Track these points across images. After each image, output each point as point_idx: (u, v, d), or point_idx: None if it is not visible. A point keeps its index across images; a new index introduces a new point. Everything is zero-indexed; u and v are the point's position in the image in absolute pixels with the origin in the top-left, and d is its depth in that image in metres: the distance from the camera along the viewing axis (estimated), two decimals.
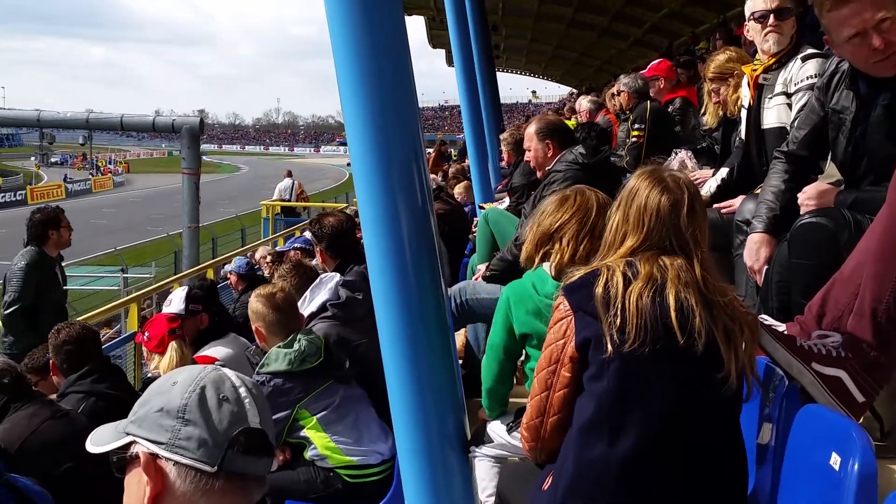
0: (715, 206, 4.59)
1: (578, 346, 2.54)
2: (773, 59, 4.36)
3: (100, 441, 1.66)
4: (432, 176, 14.56)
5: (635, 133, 7.55)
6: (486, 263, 5.51)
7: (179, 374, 1.66)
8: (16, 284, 7.23)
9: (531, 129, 5.50)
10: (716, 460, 2.52)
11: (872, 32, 2.94)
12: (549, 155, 5.35)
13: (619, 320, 2.46)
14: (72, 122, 25.16)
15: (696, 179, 5.56)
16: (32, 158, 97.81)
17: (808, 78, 4.16)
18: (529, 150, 5.49)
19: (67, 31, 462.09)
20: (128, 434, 1.63)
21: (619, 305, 2.48)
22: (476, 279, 5.45)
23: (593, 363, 2.51)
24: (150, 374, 5.01)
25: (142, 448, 1.60)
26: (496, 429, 3.59)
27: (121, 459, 1.63)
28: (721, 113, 5.40)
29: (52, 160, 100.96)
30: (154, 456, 1.59)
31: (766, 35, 4.37)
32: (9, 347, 7.29)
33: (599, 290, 2.53)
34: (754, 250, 3.57)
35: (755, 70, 4.48)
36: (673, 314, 2.47)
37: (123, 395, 4.66)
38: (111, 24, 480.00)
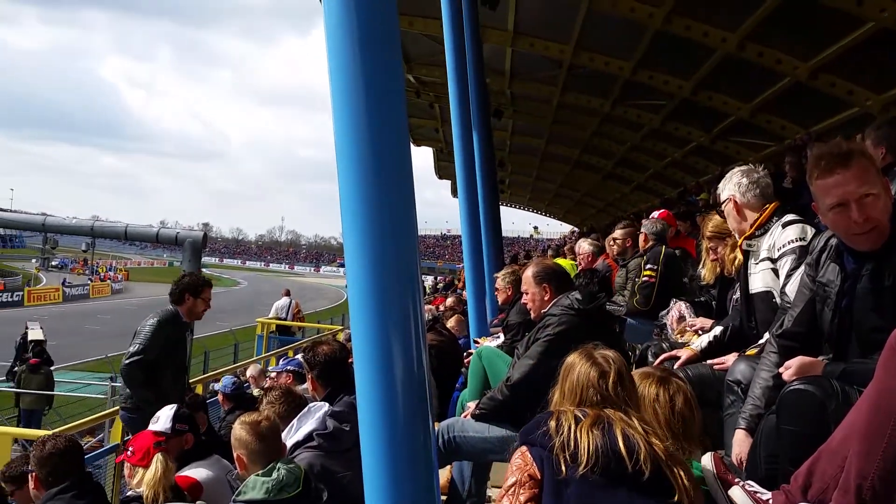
0: (708, 361, 4.58)
1: (538, 468, 2.79)
2: (753, 228, 4.47)
3: None
4: (427, 307, 14.59)
5: (647, 273, 7.63)
6: (476, 401, 5.46)
7: None
8: (142, 338, 7.27)
9: (528, 273, 5.54)
10: None
11: (854, 205, 3.04)
12: (545, 298, 5.36)
13: (571, 446, 2.75)
14: (76, 229, 25.38)
15: (695, 326, 5.56)
16: (33, 261, 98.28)
17: (789, 242, 4.30)
18: (527, 294, 5.51)
19: (81, 139, 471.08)
20: None
21: (571, 436, 2.78)
22: (465, 416, 5.39)
23: (550, 488, 2.75)
24: (129, 493, 4.88)
25: None
26: None
27: None
28: (718, 270, 5.46)
29: (53, 264, 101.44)
30: None
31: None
32: (124, 400, 7.42)
33: (553, 423, 2.85)
34: (737, 444, 3.64)
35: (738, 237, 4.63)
36: (620, 441, 2.75)
37: None
38: (124, 135, 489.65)
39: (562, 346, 4.92)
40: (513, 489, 2.80)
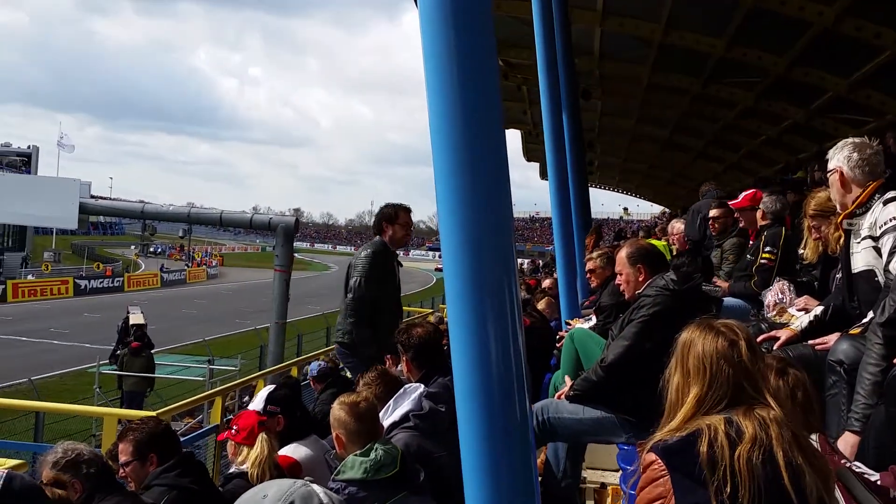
0: (810, 342, 4.50)
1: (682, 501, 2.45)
2: (854, 205, 4.34)
3: None
4: None
5: (767, 255, 7.36)
6: (570, 382, 5.46)
7: (269, 488, 1.66)
8: (360, 270, 7.24)
9: (623, 254, 5.50)
10: None
11: None
12: (640, 279, 5.32)
13: (728, 486, 2.38)
14: (174, 216, 26.11)
15: (797, 306, 5.45)
16: (132, 247, 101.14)
17: (891, 220, 4.13)
18: (621, 275, 5.47)
19: (177, 127, 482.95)
20: None
21: (728, 469, 2.40)
22: (559, 398, 5.40)
23: None
24: (235, 469, 5.03)
25: None
26: None
27: None
28: (821, 249, 5.33)
29: (151, 250, 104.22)
30: None
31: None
32: (342, 335, 7.36)
33: (704, 449, 2.46)
34: (848, 446, 3.48)
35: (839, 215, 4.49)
36: (785, 475, 2.40)
37: (204, 490, 4.68)
38: (218, 124, 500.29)
39: (657, 328, 4.92)
40: None
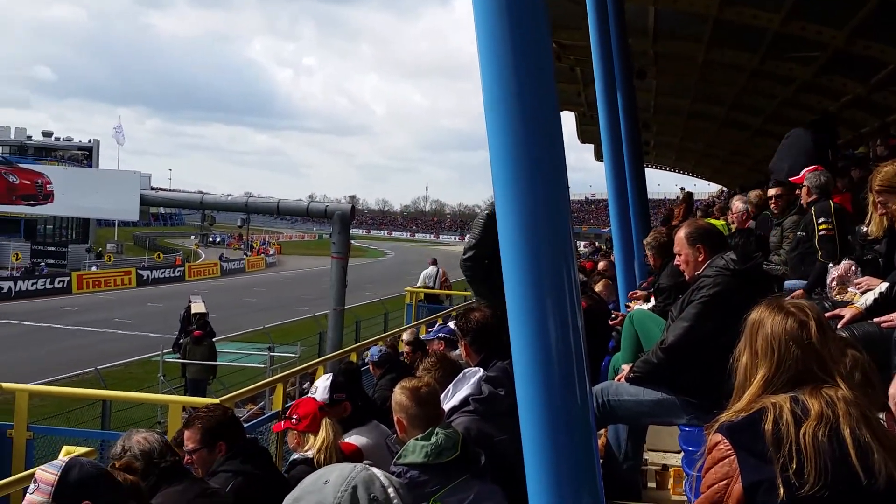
0: (875, 319, 4.41)
1: (746, 489, 2.43)
2: None
3: None
4: None
5: (823, 226, 7.21)
6: (630, 364, 5.44)
7: (331, 473, 1.67)
8: (475, 231, 6.84)
9: (681, 234, 5.44)
10: None
11: None
12: (699, 259, 5.26)
13: (794, 462, 2.36)
14: (232, 206, 26.41)
15: (861, 286, 5.34)
16: (192, 237, 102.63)
17: None
18: (680, 255, 5.41)
19: (234, 118, 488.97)
20: None
21: (794, 446, 2.38)
22: (619, 380, 5.38)
23: None
24: (298, 456, 5.08)
25: None
26: None
27: None
28: (886, 224, 5.21)
29: (210, 239, 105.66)
30: None
31: None
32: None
33: (769, 427, 2.43)
34: None
35: None
36: (853, 453, 2.36)
37: (269, 476, 4.75)
38: (274, 113, 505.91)
39: (718, 309, 4.87)
40: (717, 502, 2.50)
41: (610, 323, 8.01)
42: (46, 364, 25.86)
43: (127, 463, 3.77)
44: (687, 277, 5.41)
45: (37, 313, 40.02)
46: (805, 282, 6.90)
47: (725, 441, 2.52)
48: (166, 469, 4.03)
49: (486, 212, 6.85)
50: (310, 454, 4.95)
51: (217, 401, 8.61)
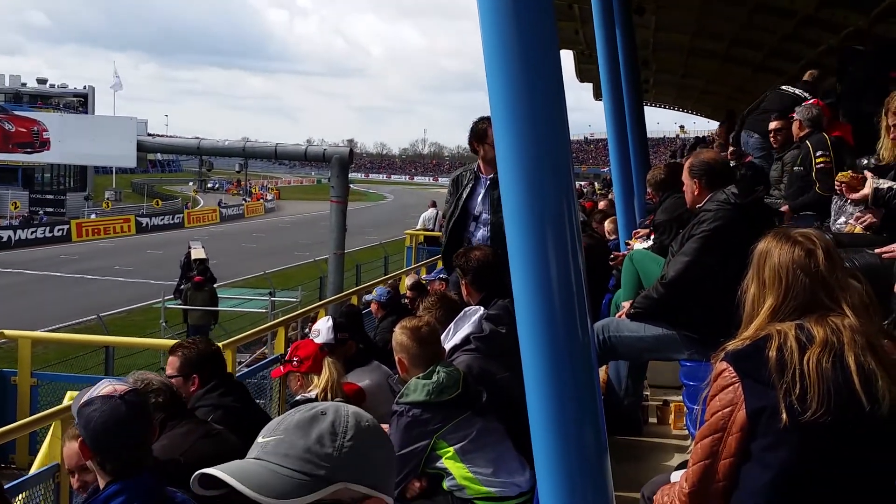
0: (877, 250, 4.39)
1: (750, 415, 2.46)
2: None
3: (280, 490, 1.47)
4: None
5: (821, 159, 7.19)
6: (631, 301, 5.44)
7: (324, 406, 1.63)
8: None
9: (686, 164, 5.43)
10: None
11: None
12: (695, 193, 5.24)
13: (797, 388, 2.37)
14: (229, 151, 26.23)
15: (862, 221, 5.28)
16: (191, 184, 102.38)
17: None
18: (684, 184, 5.40)
19: (229, 62, 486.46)
20: (333, 482, 1.51)
21: (797, 372, 2.39)
22: (620, 316, 5.39)
23: (768, 433, 2.43)
24: (301, 396, 5.09)
25: (353, 493, 1.54)
26: None
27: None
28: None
29: (209, 186, 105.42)
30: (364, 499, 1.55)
31: None
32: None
33: (773, 354, 2.44)
34: None
35: None
36: (856, 379, 2.37)
37: (248, 408, 4.80)
38: (269, 56, 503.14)
39: (718, 243, 4.85)
40: (720, 430, 2.53)
41: (610, 263, 8.00)
42: (48, 312, 25.95)
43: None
44: (688, 207, 5.39)
45: (37, 262, 40.07)
46: (808, 215, 6.88)
47: (730, 368, 2.54)
48: (169, 410, 4.04)
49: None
50: (312, 394, 4.97)
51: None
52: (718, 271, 4.55)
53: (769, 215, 5.66)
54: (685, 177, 5.33)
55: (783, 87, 10.22)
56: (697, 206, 5.17)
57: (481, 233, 6.32)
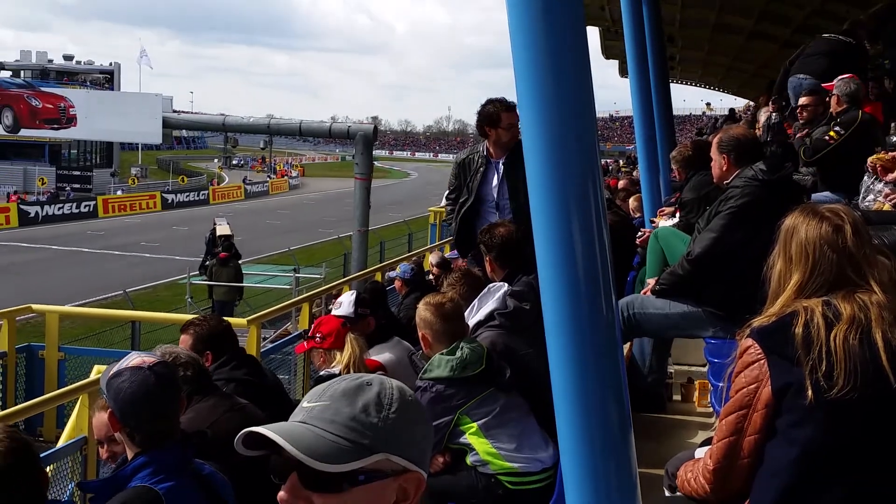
0: None
1: (775, 392, 2.45)
2: None
3: (324, 454, 1.47)
4: None
5: (832, 133, 7.09)
6: (656, 277, 5.42)
7: (370, 377, 1.64)
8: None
9: (715, 139, 5.38)
10: None
11: None
12: (723, 169, 5.19)
13: (823, 365, 2.35)
14: (254, 127, 26.22)
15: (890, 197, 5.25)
16: (216, 160, 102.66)
17: None
18: (713, 160, 5.36)
19: (253, 39, 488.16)
20: (375, 452, 1.52)
21: (823, 349, 2.37)
22: (645, 293, 5.37)
23: (794, 410, 2.42)
24: (325, 372, 5.12)
25: (393, 465, 1.55)
26: None
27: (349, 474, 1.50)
28: None
29: (234, 163, 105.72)
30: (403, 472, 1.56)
31: None
32: None
33: (799, 331, 2.42)
34: None
35: None
36: (884, 356, 2.35)
37: (261, 382, 4.83)
38: (294, 34, 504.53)
39: (746, 219, 4.81)
40: (745, 407, 2.51)
41: (637, 241, 7.96)
42: (75, 287, 26.23)
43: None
44: (715, 182, 5.35)
45: (64, 238, 40.44)
46: (833, 194, 6.82)
47: (756, 345, 2.52)
48: (197, 384, 4.08)
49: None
50: (336, 370, 4.99)
51: (243, 320, 8.70)
52: (745, 248, 4.52)
53: (798, 192, 5.60)
54: (714, 152, 5.28)
55: (826, 35, 9.97)
56: (725, 182, 5.13)
57: (496, 219, 6.22)
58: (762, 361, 2.50)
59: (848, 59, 9.30)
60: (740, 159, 5.11)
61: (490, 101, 6.35)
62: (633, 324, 5.22)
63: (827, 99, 8.04)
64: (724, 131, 5.55)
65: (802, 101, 8.48)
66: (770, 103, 11.16)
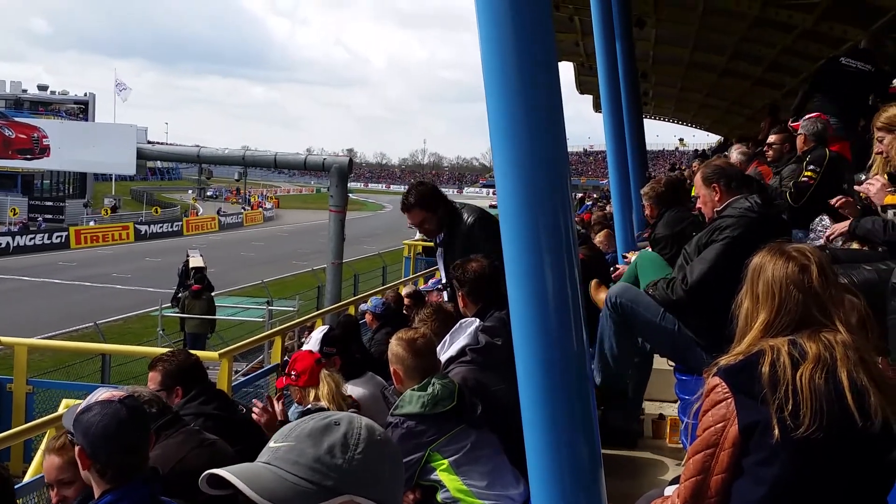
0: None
1: (742, 431, 2.45)
2: None
3: (284, 497, 1.49)
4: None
5: (808, 173, 7.17)
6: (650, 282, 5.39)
7: (337, 416, 1.64)
8: None
9: (698, 177, 5.39)
10: None
11: None
12: (715, 199, 5.19)
13: (790, 404, 2.36)
14: (229, 159, 26.20)
15: (833, 235, 5.26)
16: (190, 192, 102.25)
17: None
18: (699, 198, 5.37)
19: (230, 70, 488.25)
20: (339, 493, 1.52)
21: (790, 388, 2.38)
22: (615, 277, 5.34)
23: (760, 449, 2.42)
24: (311, 406, 5.09)
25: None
26: None
27: None
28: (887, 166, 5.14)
29: (208, 194, 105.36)
30: None
31: None
32: None
33: (766, 370, 2.43)
34: None
35: None
36: (849, 395, 2.36)
37: (230, 416, 4.80)
38: (271, 65, 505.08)
39: (740, 251, 4.78)
40: (712, 446, 2.51)
41: (612, 276, 7.97)
42: (45, 319, 25.91)
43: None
44: (707, 219, 5.34)
45: (35, 268, 40.06)
46: (803, 231, 6.87)
47: (723, 384, 2.53)
48: (162, 421, 4.03)
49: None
50: (322, 404, 4.98)
51: (216, 354, 8.62)
52: (732, 279, 4.50)
53: (786, 228, 5.58)
54: (700, 188, 5.26)
55: (842, 60, 9.93)
56: (716, 210, 5.13)
57: None
58: (729, 400, 2.50)
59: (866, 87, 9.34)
60: (730, 185, 5.11)
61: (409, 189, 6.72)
62: (622, 315, 5.21)
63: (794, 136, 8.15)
64: (704, 166, 5.57)
65: (771, 139, 8.59)
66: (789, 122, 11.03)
